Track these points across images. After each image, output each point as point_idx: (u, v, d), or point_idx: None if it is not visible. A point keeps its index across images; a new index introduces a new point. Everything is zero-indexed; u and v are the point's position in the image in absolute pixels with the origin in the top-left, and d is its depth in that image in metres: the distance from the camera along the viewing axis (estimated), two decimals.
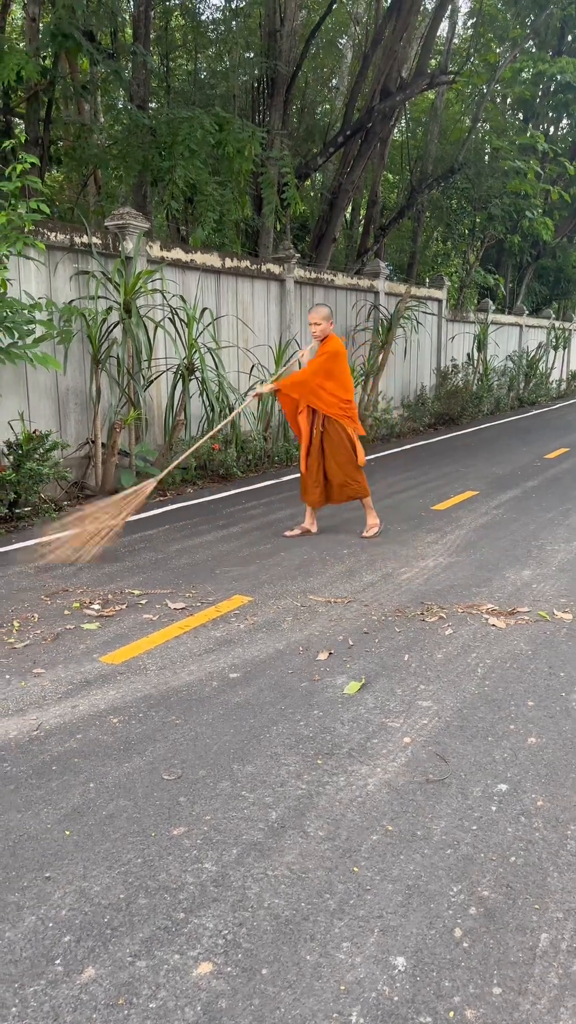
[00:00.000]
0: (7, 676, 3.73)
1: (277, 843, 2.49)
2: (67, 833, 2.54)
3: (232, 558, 5.79)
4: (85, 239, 8.19)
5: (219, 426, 7.01)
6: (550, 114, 21.86)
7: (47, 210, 6.03)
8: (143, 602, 4.76)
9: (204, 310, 9.12)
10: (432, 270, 21.95)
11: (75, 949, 2.06)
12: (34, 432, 7.06)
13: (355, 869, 2.37)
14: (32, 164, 5.78)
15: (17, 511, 6.83)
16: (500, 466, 10.12)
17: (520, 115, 21.99)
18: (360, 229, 18.57)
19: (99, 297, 8.12)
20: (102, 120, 13.00)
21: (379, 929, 2.12)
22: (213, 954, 2.04)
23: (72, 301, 7.97)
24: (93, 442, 8.26)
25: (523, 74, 19.20)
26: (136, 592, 4.95)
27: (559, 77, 18.88)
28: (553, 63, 17.82)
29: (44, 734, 3.18)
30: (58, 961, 2.02)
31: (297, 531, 6.51)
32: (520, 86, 19.61)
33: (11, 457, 6.99)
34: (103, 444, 8.18)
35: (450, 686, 3.62)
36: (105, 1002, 1.89)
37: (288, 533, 6.50)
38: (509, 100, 21.89)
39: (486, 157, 18.46)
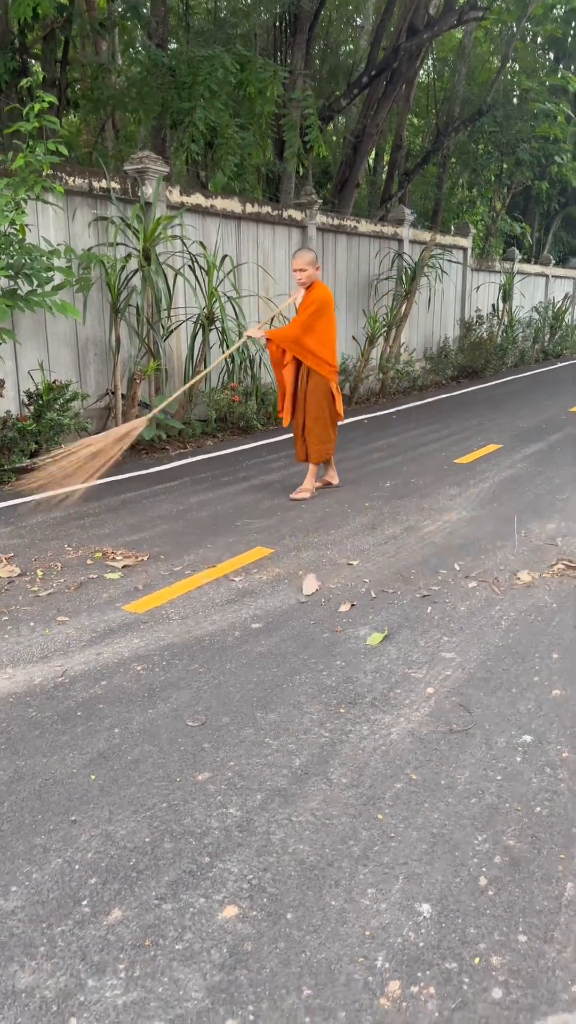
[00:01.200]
0: (31, 624, 3.74)
1: (301, 789, 2.49)
2: (92, 777, 2.56)
3: (253, 510, 5.76)
4: (104, 184, 8.03)
5: (206, 370, 6.64)
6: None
7: (65, 151, 5.88)
8: (165, 553, 4.75)
9: (224, 257, 8.95)
10: (457, 218, 21.42)
11: (101, 891, 2.07)
12: (54, 382, 7.00)
13: (379, 816, 2.36)
14: (51, 104, 5.61)
15: (37, 461, 6.81)
16: (524, 419, 9.97)
17: (551, 55, 21.17)
18: (384, 175, 18.09)
19: (118, 244, 7.98)
20: (120, 61, 12.65)
21: (404, 876, 2.12)
22: (238, 898, 2.05)
23: (91, 248, 7.85)
24: (113, 393, 8.19)
25: (555, 10, 18.44)
26: (157, 543, 4.94)
27: None
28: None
29: (69, 680, 3.19)
30: (84, 902, 2.04)
31: (319, 483, 6.35)
32: (552, 24, 18.84)
33: (32, 407, 6.96)
34: (123, 395, 8.11)
35: (473, 638, 3.59)
36: (132, 943, 1.91)
37: (293, 496, 6.24)
38: (540, 39, 21.05)
39: (515, 99, 17.83)
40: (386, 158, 18.56)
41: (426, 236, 14.26)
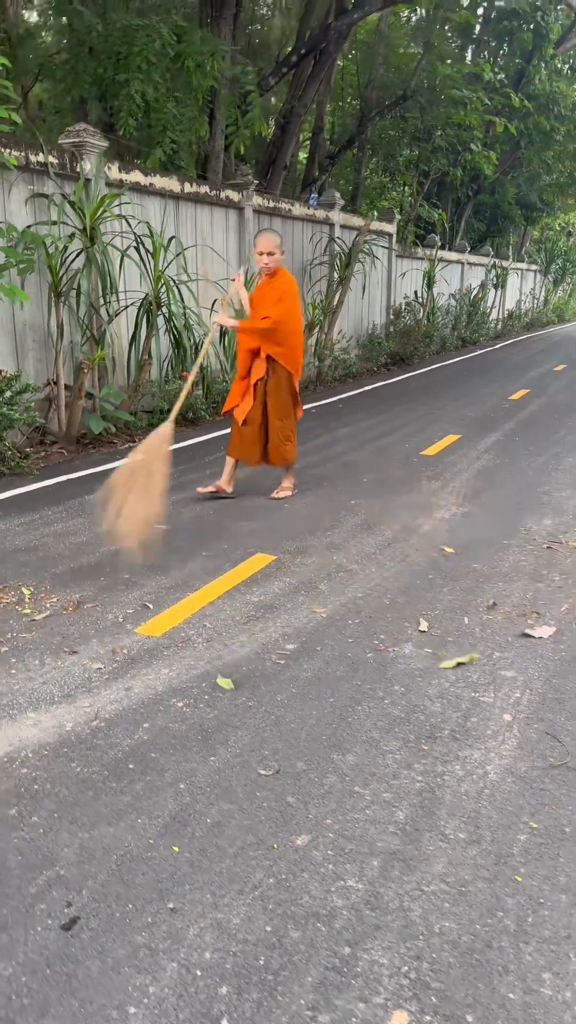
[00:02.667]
0: (37, 654, 3.29)
1: (419, 850, 2.20)
2: (176, 850, 2.19)
3: (235, 511, 5.40)
4: (41, 158, 7.40)
5: (199, 359, 6.25)
6: (492, 43, 21.26)
7: (18, 119, 5.30)
8: (161, 563, 4.34)
9: (172, 239, 8.46)
10: (372, 203, 21.35)
11: (239, 1004, 1.73)
12: (0, 373, 6.40)
13: (517, 878, 2.10)
14: (4, 66, 5.03)
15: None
16: (470, 408, 9.92)
17: (460, 43, 21.28)
18: (304, 158, 17.77)
19: (60, 223, 7.38)
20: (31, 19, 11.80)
21: (574, 952, 1.87)
22: (402, 999, 1.75)
23: (29, 227, 7.22)
24: (54, 383, 7.61)
25: None
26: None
27: (501, 3, 18.32)
28: None
29: (105, 725, 2.78)
30: (224, 1021, 1.69)
31: (211, 488, 5.66)
32: (462, 10, 18.89)
33: None
34: (66, 386, 7.54)
35: (526, 652, 3.38)
36: None
37: (201, 489, 5.68)
38: (448, 27, 21.12)
39: (437, 86, 17.80)
40: (302, 139, 18.23)
41: (356, 221, 14.06)
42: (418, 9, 16.00)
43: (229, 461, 5.69)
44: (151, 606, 3.79)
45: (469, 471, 6.61)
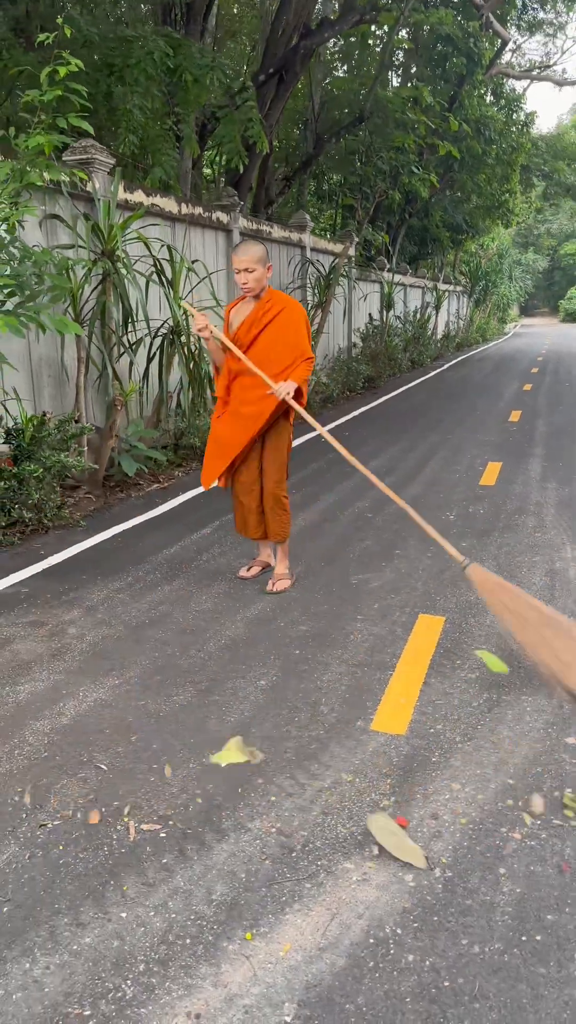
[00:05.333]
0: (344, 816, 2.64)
1: None
2: None
3: (344, 566, 4.83)
4: (55, 176, 6.67)
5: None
6: (425, 68, 21.50)
7: (89, 128, 4.63)
8: (309, 638, 3.74)
9: (195, 262, 7.84)
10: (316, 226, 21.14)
11: None
12: (44, 415, 5.63)
13: None
14: (79, 69, 4.35)
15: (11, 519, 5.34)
16: (480, 432, 9.66)
17: (399, 68, 21.46)
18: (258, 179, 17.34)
19: (77, 246, 6.68)
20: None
21: None
22: None
23: (46, 249, 6.47)
24: (77, 421, 6.86)
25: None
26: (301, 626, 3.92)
27: (436, 29, 18.49)
28: (429, 14, 17.24)
29: (453, 874, 2.18)
30: None
31: (256, 568, 4.59)
32: (397, 37, 19.01)
33: (10, 447, 5.56)
34: (95, 426, 6.79)
35: None
36: None
37: (243, 573, 4.55)
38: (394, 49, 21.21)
39: (386, 108, 17.76)
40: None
41: (325, 244, 13.74)
42: (374, 29, 15.87)
43: None
44: (349, 695, 3.19)
45: (548, 503, 6.25)
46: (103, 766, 2.67)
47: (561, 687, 3.02)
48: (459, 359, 22.38)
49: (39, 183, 4.74)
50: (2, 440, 5.65)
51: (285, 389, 3.94)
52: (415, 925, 1.96)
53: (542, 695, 3.13)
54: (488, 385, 15.35)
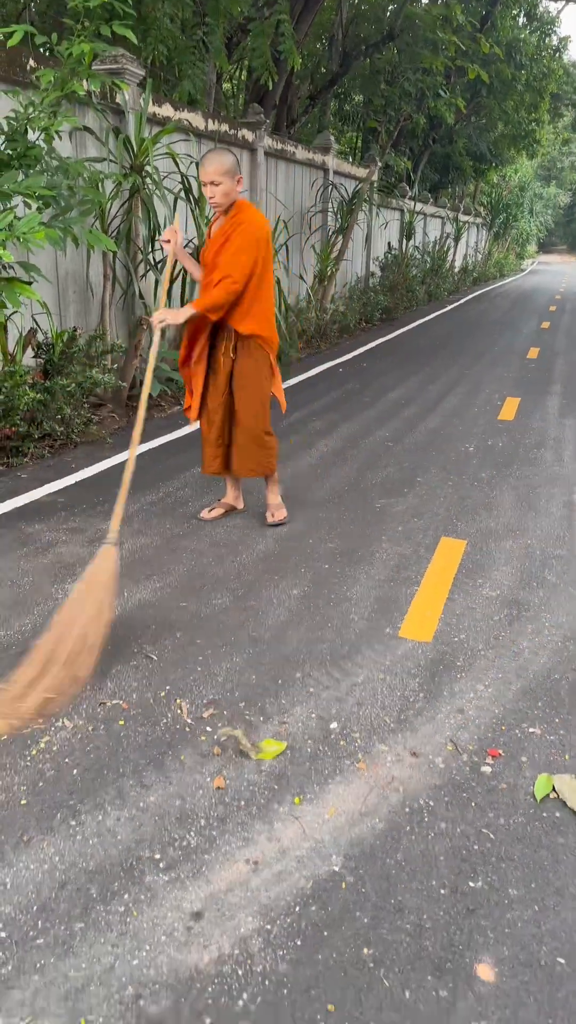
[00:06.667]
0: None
1: None
2: None
3: (364, 492, 4.98)
4: (86, 84, 6.57)
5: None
6: None
7: (134, 37, 4.58)
8: (363, 554, 3.92)
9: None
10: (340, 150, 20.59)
11: None
12: (75, 330, 5.71)
13: None
14: None
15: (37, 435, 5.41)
16: (499, 368, 9.69)
17: None
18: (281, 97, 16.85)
19: (110, 160, 6.63)
20: None
21: None
22: None
23: (75, 161, 6.43)
24: (101, 339, 6.92)
25: None
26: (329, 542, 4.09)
27: None
28: None
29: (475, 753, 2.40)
30: None
31: (218, 510, 4.37)
32: None
33: (41, 361, 5.64)
34: (119, 344, 6.85)
35: None
36: None
37: (204, 514, 4.33)
38: None
39: (416, 26, 17.14)
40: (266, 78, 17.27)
41: (348, 167, 13.48)
42: None
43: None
44: (385, 601, 3.38)
45: (567, 437, 6.37)
46: (153, 656, 2.88)
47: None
48: (476, 294, 22.11)
49: (81, 91, 4.70)
50: (32, 354, 5.74)
51: (160, 316, 3.56)
52: (446, 799, 2.18)
53: (560, 614, 3.32)
54: (506, 321, 15.25)
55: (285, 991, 1.63)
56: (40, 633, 2.79)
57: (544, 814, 2.15)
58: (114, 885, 1.86)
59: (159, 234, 7.01)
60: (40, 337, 5.73)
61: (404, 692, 2.71)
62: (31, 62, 5.89)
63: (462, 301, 19.57)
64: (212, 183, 3.66)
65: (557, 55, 21.83)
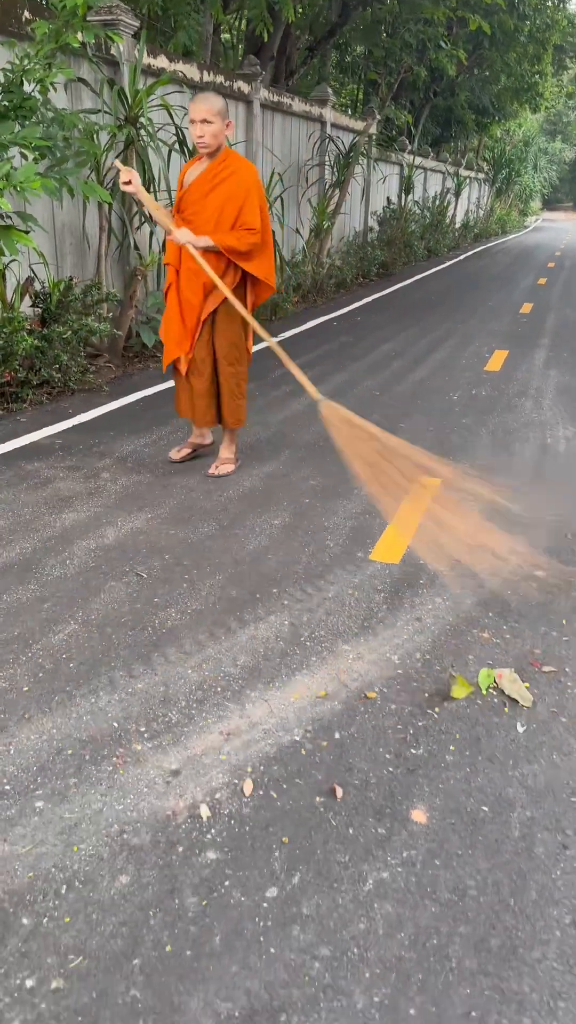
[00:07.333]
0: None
1: None
2: None
3: None
4: (80, 36, 6.66)
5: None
6: None
7: None
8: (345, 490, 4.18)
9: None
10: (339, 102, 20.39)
11: None
12: (71, 279, 5.90)
13: None
14: None
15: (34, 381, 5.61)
16: (491, 322, 9.85)
17: None
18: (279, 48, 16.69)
19: (104, 111, 6.74)
20: None
21: None
22: None
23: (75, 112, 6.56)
24: (96, 289, 7.10)
25: None
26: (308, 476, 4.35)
27: None
28: None
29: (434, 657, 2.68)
30: None
31: (186, 450, 4.47)
32: None
33: (38, 310, 5.85)
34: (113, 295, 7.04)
35: None
36: None
37: (173, 454, 4.46)
38: None
39: None
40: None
41: (347, 120, 13.46)
42: None
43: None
44: (361, 526, 3.65)
45: (551, 389, 6.59)
46: (143, 575, 3.16)
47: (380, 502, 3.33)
48: (476, 250, 22.06)
49: (75, 43, 4.85)
50: (30, 303, 5.94)
51: (185, 238, 3.64)
52: (398, 687, 2.48)
53: (521, 542, 3.59)
54: (503, 277, 15.32)
55: (247, 828, 1.93)
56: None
57: (480, 701, 2.44)
58: (104, 751, 2.16)
59: (155, 186, 7.16)
60: (37, 286, 5.92)
61: (369, 605, 2.99)
62: (26, 13, 5.99)
63: (461, 257, 19.57)
64: (204, 121, 3.65)
65: (561, 5, 21.46)
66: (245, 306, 3.95)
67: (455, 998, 1.55)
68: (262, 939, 1.65)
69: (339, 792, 2.03)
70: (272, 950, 1.62)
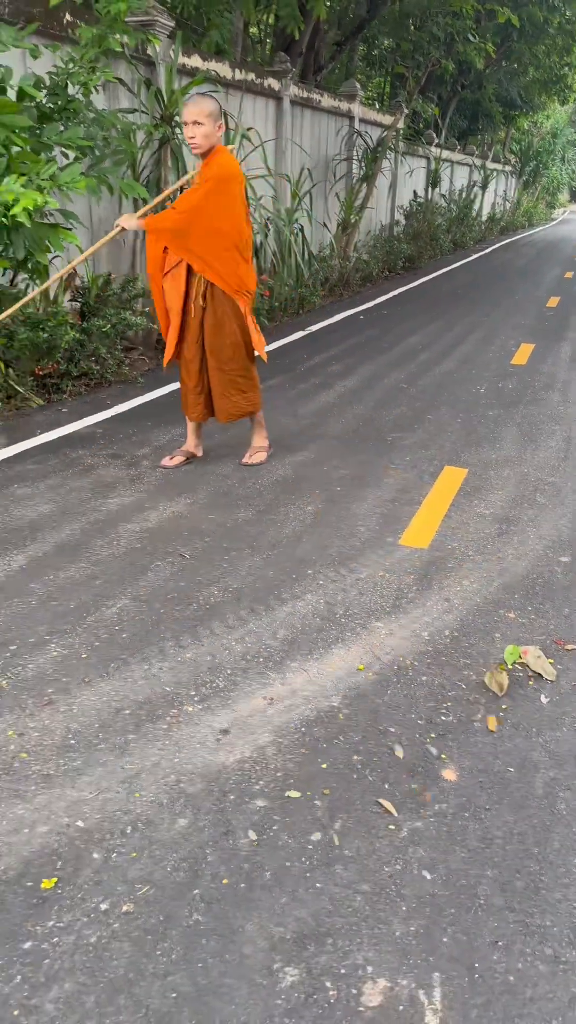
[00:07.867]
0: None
1: None
2: None
3: (378, 424, 5.38)
4: (118, 37, 6.85)
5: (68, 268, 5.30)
6: None
7: None
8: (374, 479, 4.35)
9: (249, 129, 8.04)
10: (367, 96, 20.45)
11: None
12: (109, 275, 6.10)
13: None
14: None
15: (74, 372, 5.82)
16: (517, 316, 9.94)
17: None
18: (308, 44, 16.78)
19: (141, 111, 6.93)
20: None
21: None
22: None
23: (114, 112, 6.75)
24: (132, 283, 7.30)
25: None
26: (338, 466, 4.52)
27: None
28: None
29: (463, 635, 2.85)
30: None
31: (179, 457, 4.45)
32: None
33: (78, 304, 6.06)
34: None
35: None
36: None
37: (166, 462, 4.42)
38: None
39: None
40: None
41: (374, 115, 13.55)
42: None
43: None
44: (393, 512, 3.82)
45: (575, 380, 6.71)
46: (186, 555, 3.35)
47: None
48: (502, 243, 22.04)
49: (118, 48, 5.03)
50: (70, 298, 6.15)
51: (127, 222, 4.01)
52: (428, 660, 2.65)
53: (546, 528, 3.74)
54: (530, 270, 15.35)
55: (291, 780, 2.11)
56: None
57: (509, 674, 2.60)
58: (158, 711, 2.36)
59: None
60: (77, 282, 6.12)
61: (400, 586, 3.16)
62: (67, 16, 6.19)
63: (488, 250, 19.58)
64: (195, 123, 3.75)
65: None
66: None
67: (484, 929, 1.72)
68: (308, 875, 1.83)
69: (400, 752, 2.20)
70: (318, 884, 1.81)
